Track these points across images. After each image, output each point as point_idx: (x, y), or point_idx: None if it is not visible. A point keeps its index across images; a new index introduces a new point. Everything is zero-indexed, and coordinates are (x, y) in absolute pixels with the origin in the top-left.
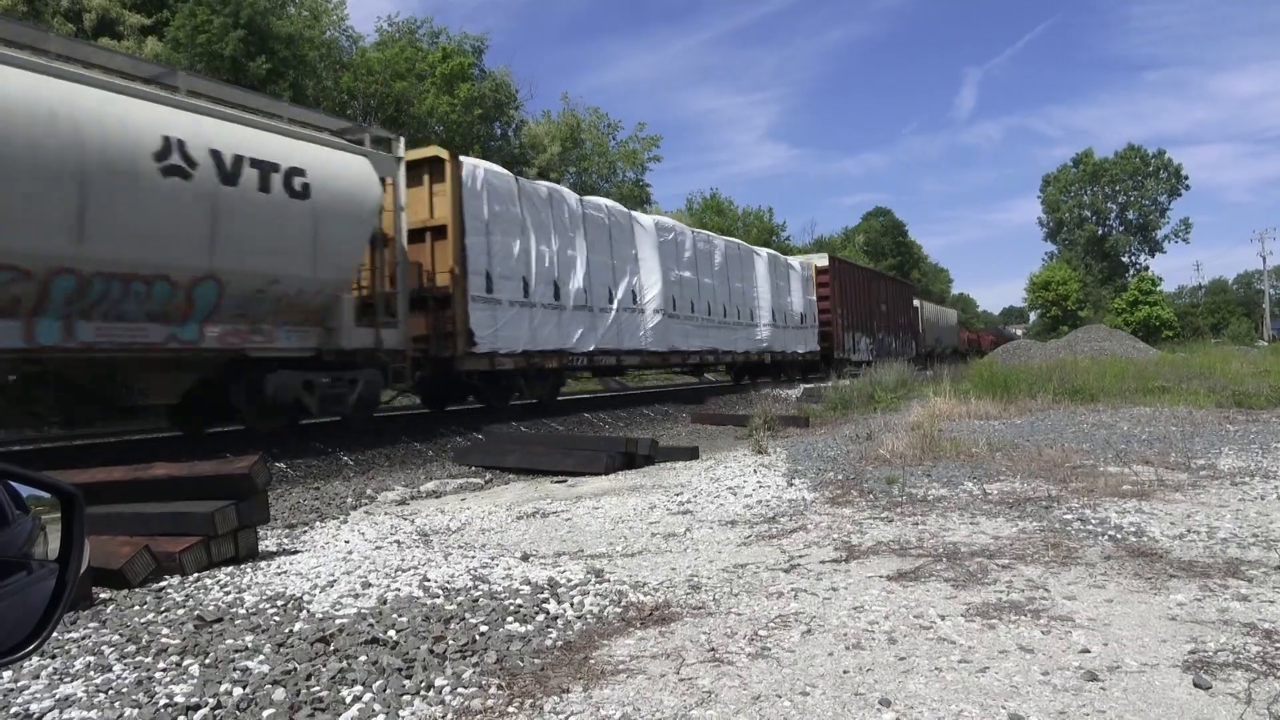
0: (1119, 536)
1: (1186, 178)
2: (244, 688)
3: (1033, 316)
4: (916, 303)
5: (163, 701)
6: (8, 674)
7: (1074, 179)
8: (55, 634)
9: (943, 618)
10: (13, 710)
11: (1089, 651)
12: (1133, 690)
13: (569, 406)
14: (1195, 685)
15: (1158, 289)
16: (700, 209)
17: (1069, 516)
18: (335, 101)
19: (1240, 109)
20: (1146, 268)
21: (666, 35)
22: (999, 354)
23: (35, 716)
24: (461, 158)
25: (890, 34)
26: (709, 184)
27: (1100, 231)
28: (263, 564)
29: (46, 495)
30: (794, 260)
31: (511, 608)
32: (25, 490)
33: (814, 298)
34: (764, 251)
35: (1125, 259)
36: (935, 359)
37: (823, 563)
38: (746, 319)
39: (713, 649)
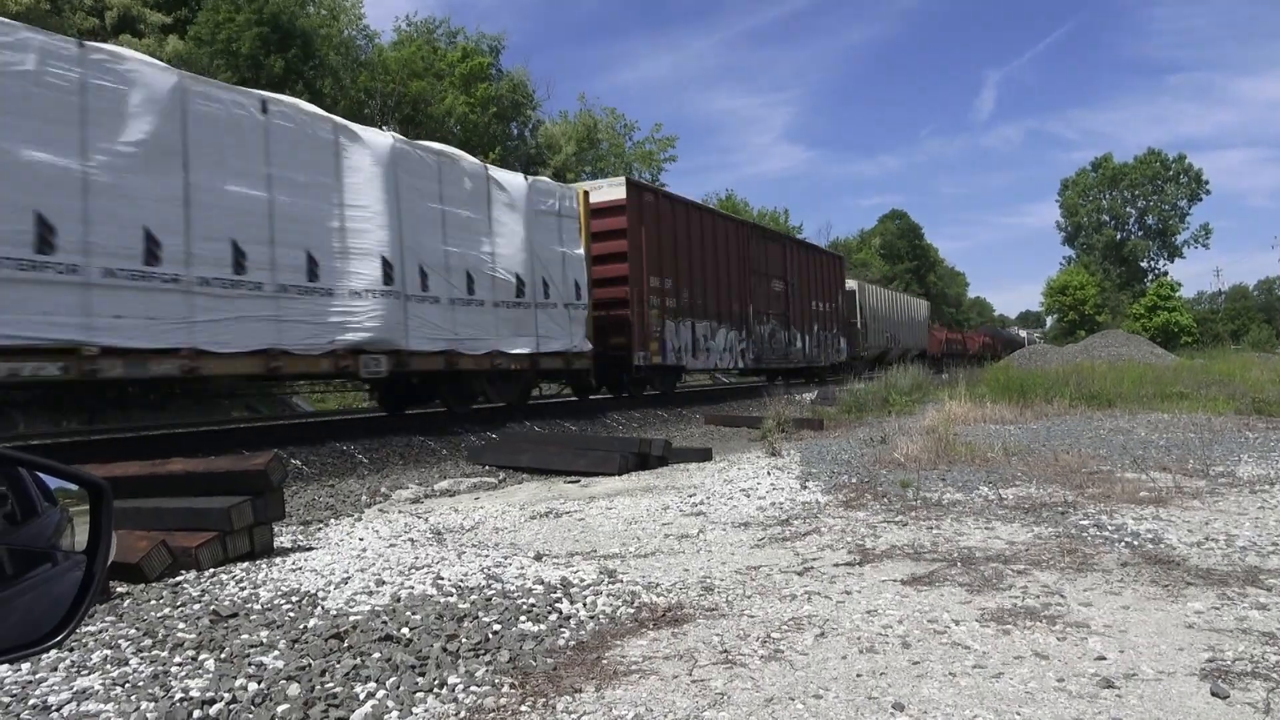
0: (1136, 543)
1: (1207, 182)
2: (259, 683)
3: (1050, 321)
4: (852, 284)
5: (178, 695)
6: (26, 666)
7: (1093, 183)
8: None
9: (957, 622)
10: (31, 702)
11: (1105, 658)
12: (1149, 698)
13: (584, 408)
14: (1213, 694)
15: (1177, 294)
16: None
17: (1085, 522)
18: (352, 100)
19: (1263, 113)
20: (1165, 273)
21: (684, 35)
22: (1015, 359)
23: (53, 709)
24: None
25: (910, 35)
26: (726, 185)
27: (1119, 236)
28: (278, 560)
29: (74, 487)
30: (512, 177)
31: (525, 607)
32: (54, 482)
33: (581, 252)
34: (383, 137)
35: (1144, 264)
36: (886, 367)
37: (836, 566)
38: (295, 276)
39: (725, 651)
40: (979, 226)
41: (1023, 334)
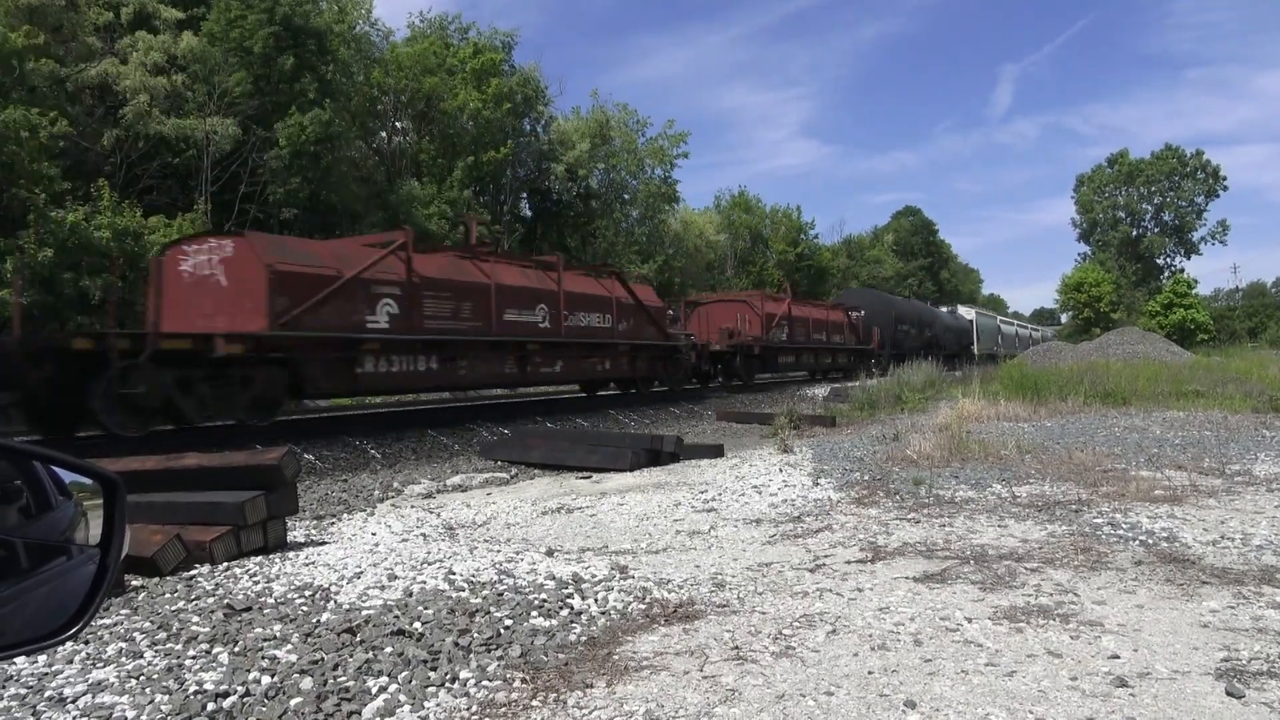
0: (1150, 542)
1: (1225, 178)
2: (272, 676)
3: (1065, 318)
4: None
5: (192, 688)
6: (42, 658)
7: (1109, 179)
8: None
9: (969, 620)
10: (47, 694)
11: (1119, 657)
12: (1163, 697)
13: (595, 404)
14: (1228, 694)
15: (1193, 292)
16: (728, 206)
17: (1099, 521)
18: (365, 97)
19: None
20: (1182, 270)
21: (699, 31)
22: (1029, 356)
23: (69, 700)
24: None
25: (925, 31)
26: (740, 181)
27: (1135, 233)
28: (291, 554)
29: (89, 481)
30: None
31: (536, 602)
32: (68, 476)
33: None
34: None
35: (1160, 261)
36: None
37: (848, 563)
38: None
39: (736, 647)
40: (993, 223)
41: (969, 315)
